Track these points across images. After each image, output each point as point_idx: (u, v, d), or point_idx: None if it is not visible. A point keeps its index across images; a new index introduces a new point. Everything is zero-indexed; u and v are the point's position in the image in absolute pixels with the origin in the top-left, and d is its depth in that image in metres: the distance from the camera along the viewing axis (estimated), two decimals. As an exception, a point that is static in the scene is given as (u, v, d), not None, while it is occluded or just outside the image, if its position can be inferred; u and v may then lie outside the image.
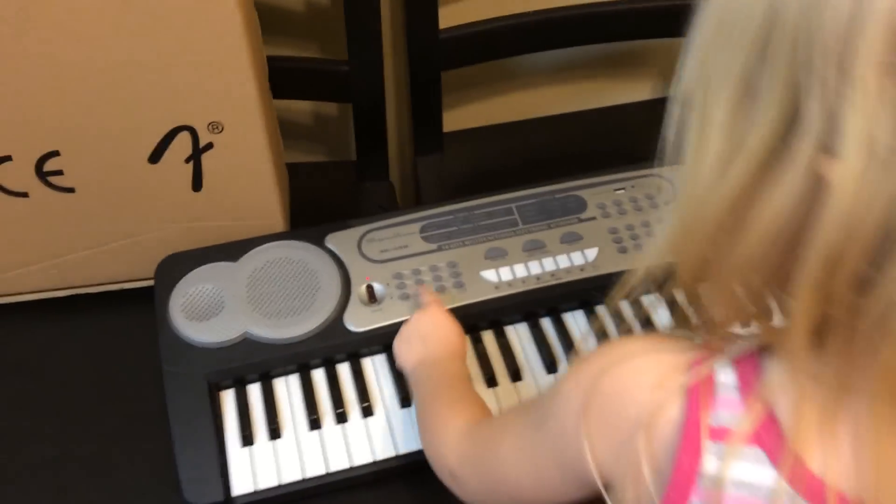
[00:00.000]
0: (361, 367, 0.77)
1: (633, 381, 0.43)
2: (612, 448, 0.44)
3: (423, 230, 0.84)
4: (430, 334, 0.71)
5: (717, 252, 0.39)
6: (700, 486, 0.41)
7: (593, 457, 0.44)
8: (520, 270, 0.80)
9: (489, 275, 0.80)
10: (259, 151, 0.80)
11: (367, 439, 0.72)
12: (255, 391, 0.76)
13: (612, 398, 0.43)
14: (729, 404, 0.40)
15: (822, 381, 0.38)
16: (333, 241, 0.83)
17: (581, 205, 0.85)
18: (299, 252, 0.82)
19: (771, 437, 0.39)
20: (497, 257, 0.81)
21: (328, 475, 0.70)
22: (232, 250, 0.82)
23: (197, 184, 0.81)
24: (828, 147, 0.32)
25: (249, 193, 0.83)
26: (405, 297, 0.79)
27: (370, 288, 0.79)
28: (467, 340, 0.78)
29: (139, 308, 0.84)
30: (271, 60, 0.83)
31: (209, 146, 0.78)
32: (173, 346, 0.76)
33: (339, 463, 0.71)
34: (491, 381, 0.76)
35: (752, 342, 0.42)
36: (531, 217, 0.84)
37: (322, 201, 1.00)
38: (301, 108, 1.12)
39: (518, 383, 0.76)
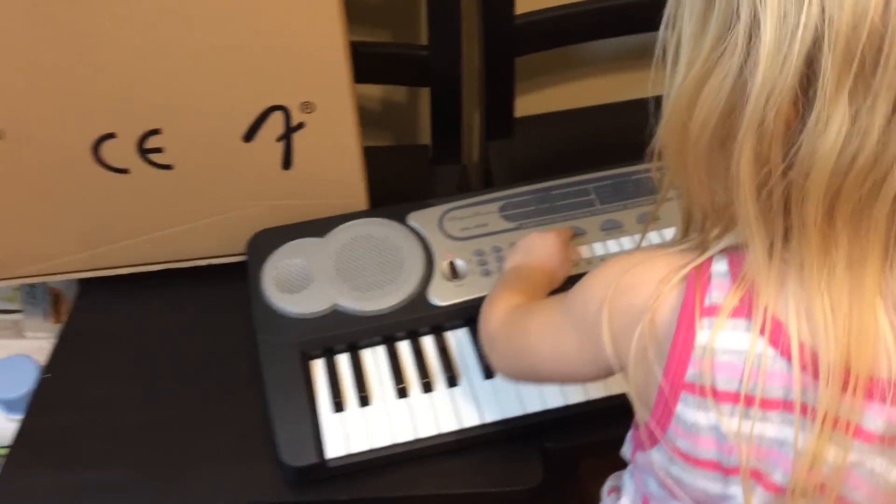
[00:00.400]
0: (445, 340, 0.80)
1: (645, 277, 0.50)
2: (624, 334, 0.50)
3: (502, 209, 0.86)
4: (534, 249, 0.78)
5: (685, 139, 0.45)
6: (695, 357, 0.47)
7: (609, 339, 0.51)
8: (598, 249, 0.82)
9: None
10: (348, 132, 0.83)
11: (452, 408, 0.75)
12: (343, 361, 0.79)
13: (627, 291, 0.51)
14: (721, 287, 0.47)
15: (779, 255, 0.45)
16: (415, 219, 0.86)
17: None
18: (383, 229, 0.85)
19: (753, 308, 0.45)
20: (576, 236, 0.83)
21: (417, 441, 0.73)
22: (319, 227, 0.85)
23: (287, 162, 0.84)
24: (752, 33, 0.41)
25: (336, 173, 0.86)
26: (487, 273, 0.81)
27: (452, 264, 0.82)
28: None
29: (228, 282, 0.88)
30: (352, 45, 0.85)
31: (300, 125, 0.81)
32: (267, 317, 0.79)
33: (426, 429, 0.74)
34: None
35: (740, 237, 0.47)
36: (608, 197, 0.86)
37: (397, 184, 1.02)
38: (370, 92, 1.15)
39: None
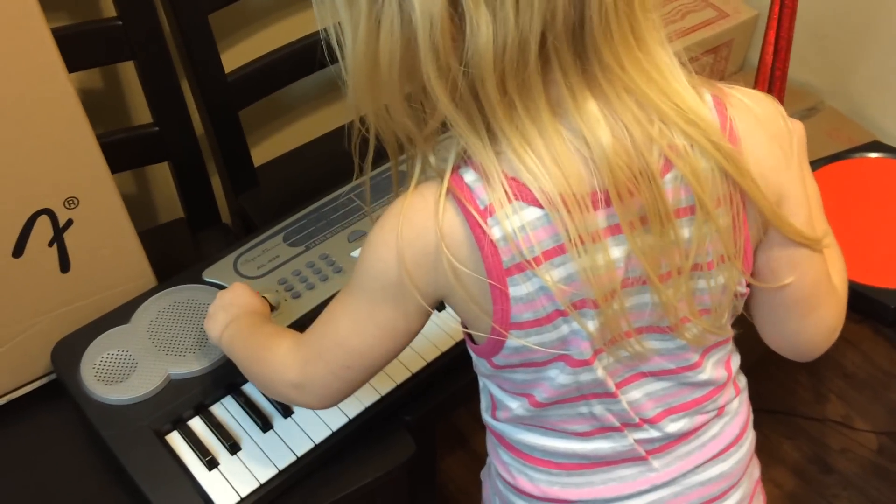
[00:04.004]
0: (284, 368, 0.85)
1: (418, 219, 0.57)
2: (431, 272, 0.57)
3: (286, 238, 0.93)
4: (230, 303, 0.79)
5: (375, 85, 0.54)
6: (501, 247, 0.55)
7: (419, 286, 0.57)
8: (383, 241, 0.92)
9: (358, 253, 0.91)
10: (118, 216, 0.84)
11: (318, 418, 0.80)
12: (197, 424, 0.80)
13: (414, 239, 0.57)
14: (481, 189, 0.55)
15: (487, 137, 0.55)
16: (211, 274, 0.89)
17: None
18: (185, 293, 0.88)
19: (519, 188, 0.55)
20: (360, 238, 0.92)
21: (297, 461, 0.77)
22: (120, 315, 0.86)
23: (65, 265, 0.83)
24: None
25: (118, 259, 0.87)
26: (297, 295, 0.87)
27: (265, 299, 0.87)
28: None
29: (43, 404, 0.84)
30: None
31: (69, 223, 0.81)
32: (105, 414, 0.78)
33: (302, 447, 0.78)
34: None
35: (459, 146, 0.56)
36: (374, 199, 0.96)
37: (170, 260, 1.03)
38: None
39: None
